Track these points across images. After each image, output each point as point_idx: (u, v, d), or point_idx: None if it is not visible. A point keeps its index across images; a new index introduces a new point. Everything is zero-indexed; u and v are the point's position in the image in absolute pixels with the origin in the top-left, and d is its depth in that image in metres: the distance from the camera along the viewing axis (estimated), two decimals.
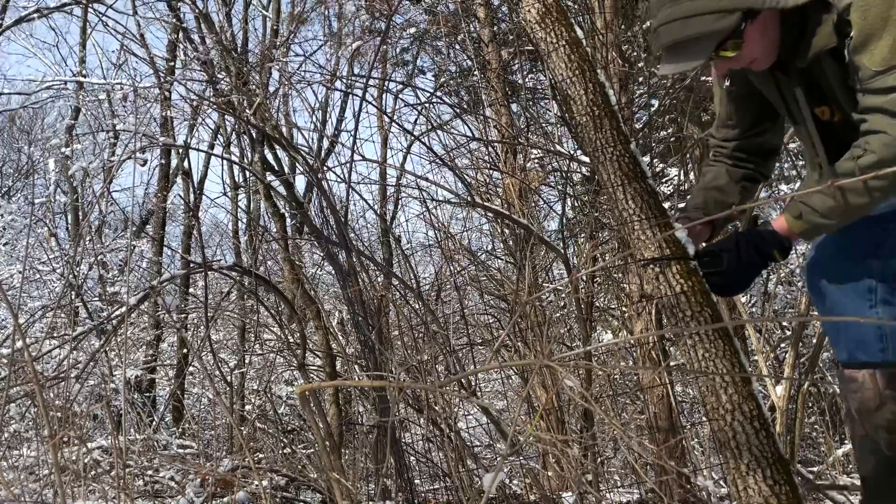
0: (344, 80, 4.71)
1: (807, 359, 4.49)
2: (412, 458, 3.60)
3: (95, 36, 9.00)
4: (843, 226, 1.58)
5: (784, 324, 5.59)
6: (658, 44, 1.54)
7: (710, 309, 1.57)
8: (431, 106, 5.41)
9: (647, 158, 1.78)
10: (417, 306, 3.77)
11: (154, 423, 5.88)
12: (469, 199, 3.89)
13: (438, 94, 6.09)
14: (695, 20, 1.47)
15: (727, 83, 1.81)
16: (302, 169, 4.10)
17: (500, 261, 5.66)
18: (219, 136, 7.32)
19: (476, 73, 5.75)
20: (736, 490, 1.50)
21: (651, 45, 1.58)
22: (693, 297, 1.56)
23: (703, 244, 1.84)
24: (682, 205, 5.24)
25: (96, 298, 7.17)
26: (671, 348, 4.31)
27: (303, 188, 6.32)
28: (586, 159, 3.90)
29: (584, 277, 4.19)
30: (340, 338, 4.78)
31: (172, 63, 6.93)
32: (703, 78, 4.16)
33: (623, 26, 5.11)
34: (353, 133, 3.94)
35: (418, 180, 4.34)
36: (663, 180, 6.03)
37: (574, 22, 1.75)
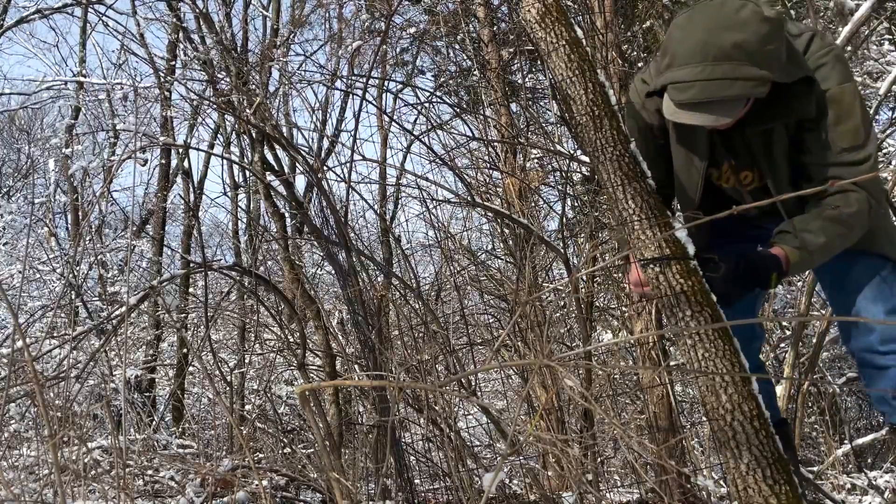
0: (344, 80, 4.71)
1: (806, 359, 4.49)
2: (412, 458, 3.60)
3: (96, 36, 8.97)
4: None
5: (784, 324, 5.59)
6: (687, 96, 1.60)
7: (710, 309, 1.57)
8: (431, 106, 5.41)
9: None
10: (417, 306, 3.77)
11: (154, 423, 5.88)
12: (469, 199, 3.89)
13: (438, 93, 6.09)
14: (738, 84, 1.57)
15: (651, 135, 1.93)
16: (302, 169, 4.10)
17: (500, 261, 5.67)
18: (219, 135, 7.32)
19: (476, 73, 5.75)
20: (736, 490, 1.50)
21: (672, 96, 1.66)
22: (693, 297, 1.56)
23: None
24: None
25: (96, 298, 7.18)
26: (671, 348, 4.31)
27: (303, 188, 6.32)
28: (586, 159, 3.89)
29: (584, 277, 4.20)
30: (340, 338, 4.78)
31: (172, 63, 6.93)
32: None
33: (623, 26, 5.11)
34: (353, 133, 3.94)
35: (418, 180, 4.34)
36: None
37: (574, 22, 1.75)
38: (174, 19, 5.19)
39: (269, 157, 4.35)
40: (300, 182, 7.47)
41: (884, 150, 5.21)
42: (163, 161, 8.24)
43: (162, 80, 5.25)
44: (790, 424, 2.10)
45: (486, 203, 4.16)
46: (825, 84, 1.69)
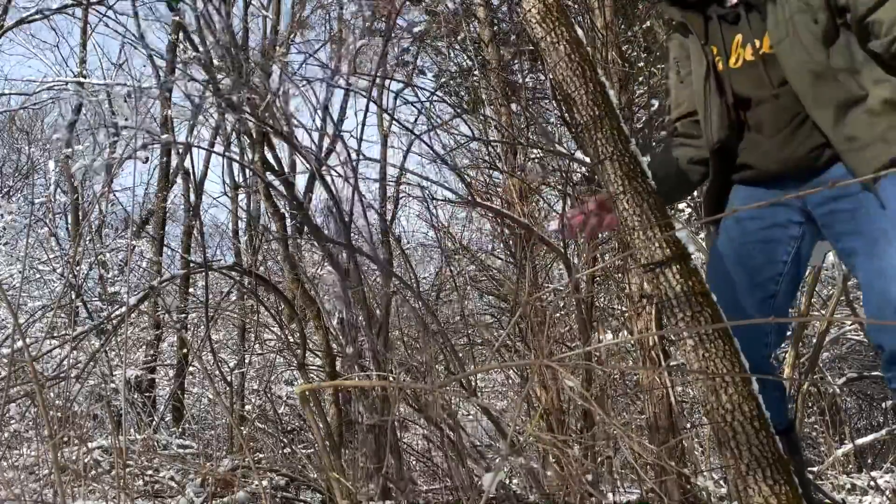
0: (344, 79, 4.69)
1: (807, 359, 4.50)
2: (412, 458, 3.60)
3: (96, 37, 8.99)
4: None
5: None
6: None
7: (710, 309, 1.57)
8: (431, 105, 5.41)
9: (647, 158, 1.81)
10: (417, 306, 3.77)
11: (154, 423, 5.88)
12: (469, 199, 3.89)
13: (438, 93, 6.08)
14: None
15: (677, 66, 1.86)
16: (305, 166, 4.09)
17: (499, 261, 5.67)
18: (218, 135, 7.30)
19: (476, 72, 5.75)
20: (736, 490, 1.50)
21: None
22: (693, 297, 1.56)
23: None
24: (681, 205, 5.23)
25: (96, 298, 7.17)
26: (671, 348, 4.31)
27: (303, 187, 6.31)
28: (586, 159, 3.89)
29: (585, 277, 4.19)
30: (340, 338, 4.77)
31: (173, 63, 6.93)
32: None
33: (623, 26, 5.11)
34: (353, 133, 3.93)
35: (419, 181, 4.34)
36: None
37: (574, 22, 1.75)
38: (175, 18, 5.18)
39: (269, 156, 4.34)
40: (300, 182, 7.46)
41: None
42: (163, 160, 8.25)
43: (162, 80, 5.25)
44: (797, 429, 2.00)
45: (486, 203, 4.16)
46: None
